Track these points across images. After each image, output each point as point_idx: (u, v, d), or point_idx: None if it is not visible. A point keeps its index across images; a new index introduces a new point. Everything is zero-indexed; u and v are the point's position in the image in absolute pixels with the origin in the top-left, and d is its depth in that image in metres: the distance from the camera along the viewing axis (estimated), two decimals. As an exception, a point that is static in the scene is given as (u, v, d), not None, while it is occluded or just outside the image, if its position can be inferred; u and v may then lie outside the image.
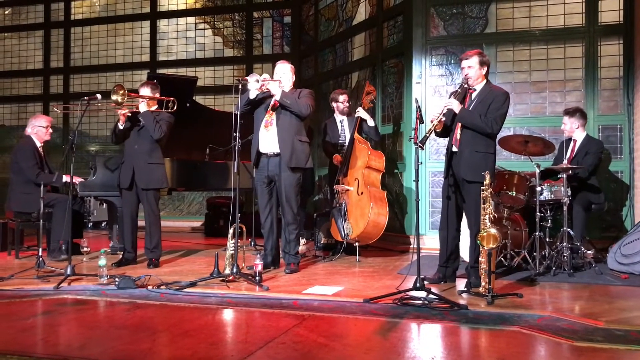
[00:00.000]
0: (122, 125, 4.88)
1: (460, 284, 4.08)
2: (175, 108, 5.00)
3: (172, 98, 5.01)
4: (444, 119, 4.04)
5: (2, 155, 9.19)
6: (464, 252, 4.45)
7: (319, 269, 4.89)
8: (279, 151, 4.60)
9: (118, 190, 5.12)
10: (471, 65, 4.03)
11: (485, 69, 4.09)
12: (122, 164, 5.03)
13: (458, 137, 4.03)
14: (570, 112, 5.14)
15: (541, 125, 6.10)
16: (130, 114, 4.87)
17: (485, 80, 4.11)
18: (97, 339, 2.78)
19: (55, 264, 4.81)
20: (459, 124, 4.03)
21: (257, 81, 4.42)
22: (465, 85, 4.06)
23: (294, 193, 4.68)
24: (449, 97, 4.06)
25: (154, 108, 4.98)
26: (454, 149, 4.07)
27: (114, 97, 4.59)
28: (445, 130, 4.16)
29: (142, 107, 4.89)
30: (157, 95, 5.03)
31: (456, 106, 3.98)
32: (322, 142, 6.15)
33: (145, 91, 4.99)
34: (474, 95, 4.09)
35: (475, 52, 4.11)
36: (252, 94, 4.52)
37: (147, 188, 4.92)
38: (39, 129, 5.63)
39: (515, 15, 6.24)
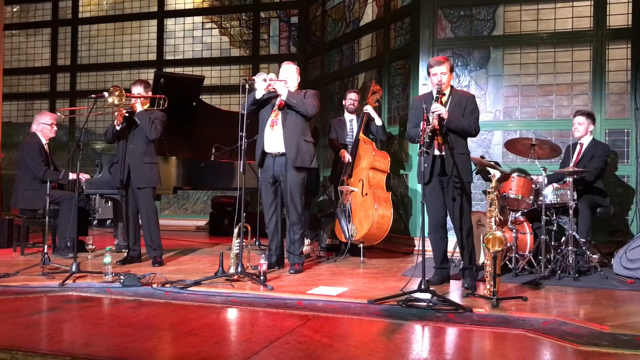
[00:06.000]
0: (119, 125, 4.85)
1: (454, 285, 4.13)
2: (166, 105, 4.99)
3: (163, 96, 5.00)
4: (436, 124, 4.03)
5: (9, 152, 9.21)
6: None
7: (323, 269, 4.88)
8: (284, 151, 4.61)
9: (117, 190, 5.11)
10: (444, 72, 4.12)
11: (452, 74, 4.25)
12: (115, 163, 5.02)
13: (440, 140, 4.06)
14: (586, 114, 5.13)
15: (548, 128, 6.08)
16: (127, 114, 4.85)
17: (449, 85, 4.23)
18: (102, 337, 2.78)
19: (61, 261, 4.82)
20: (438, 128, 4.05)
21: (265, 80, 4.42)
22: (439, 92, 4.08)
23: (299, 193, 4.67)
24: (432, 103, 4.02)
25: (146, 107, 4.97)
26: (437, 152, 4.08)
27: (110, 99, 4.56)
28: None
29: (138, 107, 4.88)
30: (150, 93, 5.03)
31: (444, 111, 4.00)
32: (328, 140, 6.16)
33: (138, 90, 4.96)
34: (444, 99, 4.14)
35: (444, 58, 4.23)
36: (259, 94, 4.52)
37: (144, 187, 4.92)
38: (43, 127, 5.64)
39: (523, 18, 6.22)
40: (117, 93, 4.56)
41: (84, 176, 5.49)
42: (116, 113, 4.82)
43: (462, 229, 4.09)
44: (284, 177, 4.65)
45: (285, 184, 4.65)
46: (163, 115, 5.01)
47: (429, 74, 4.21)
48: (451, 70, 4.19)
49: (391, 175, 6.56)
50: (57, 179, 5.48)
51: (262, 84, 4.43)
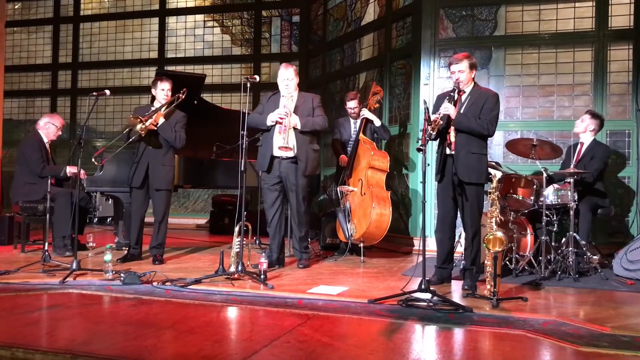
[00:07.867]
0: (143, 134, 4.80)
1: (455, 286, 4.12)
2: (184, 96, 5.01)
3: (183, 89, 5.02)
4: (442, 122, 4.02)
5: (10, 150, 9.21)
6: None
7: (324, 268, 4.88)
8: (294, 154, 4.67)
9: (129, 188, 5.10)
10: (462, 70, 4.06)
11: (474, 71, 4.14)
12: (135, 163, 5.01)
13: (452, 139, 4.05)
14: (593, 114, 5.12)
15: (549, 129, 6.08)
16: (155, 127, 4.84)
17: (473, 82, 4.15)
18: (102, 334, 2.78)
19: (61, 258, 4.82)
20: (452, 127, 4.04)
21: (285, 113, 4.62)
22: (457, 90, 4.06)
23: (305, 194, 4.82)
24: (444, 101, 4.02)
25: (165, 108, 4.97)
26: (448, 151, 4.08)
27: (137, 127, 4.65)
28: (437, 133, 4.16)
29: (160, 119, 4.87)
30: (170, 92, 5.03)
31: (453, 111, 3.98)
32: (332, 140, 6.16)
33: (167, 86, 4.99)
34: (463, 97, 4.11)
35: (464, 55, 4.13)
36: (269, 122, 4.67)
37: (162, 188, 4.93)
38: (50, 126, 5.66)
39: (524, 18, 6.22)
40: (138, 121, 4.64)
41: (71, 169, 5.45)
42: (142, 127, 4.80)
43: (469, 230, 4.08)
44: (294, 182, 4.72)
45: (296, 187, 4.73)
46: (184, 117, 5.04)
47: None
48: (472, 67, 4.09)
49: (392, 176, 6.56)
50: (55, 174, 5.45)
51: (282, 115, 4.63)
